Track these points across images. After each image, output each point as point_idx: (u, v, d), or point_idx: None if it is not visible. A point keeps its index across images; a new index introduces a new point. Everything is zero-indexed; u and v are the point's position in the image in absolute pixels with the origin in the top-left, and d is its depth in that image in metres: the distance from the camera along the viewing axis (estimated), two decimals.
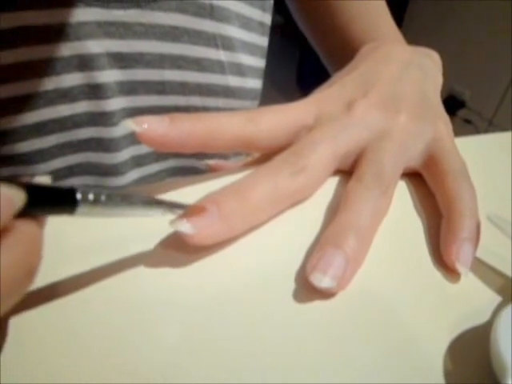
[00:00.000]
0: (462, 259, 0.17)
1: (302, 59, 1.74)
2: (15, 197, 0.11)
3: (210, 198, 0.17)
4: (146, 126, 0.17)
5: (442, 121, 0.23)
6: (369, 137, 0.21)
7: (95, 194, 0.13)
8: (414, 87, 0.23)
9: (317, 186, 0.20)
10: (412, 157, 0.22)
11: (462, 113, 1.36)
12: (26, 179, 0.13)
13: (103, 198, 0.13)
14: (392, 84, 0.23)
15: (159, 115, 0.17)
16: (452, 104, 1.37)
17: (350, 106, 0.21)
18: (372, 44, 0.27)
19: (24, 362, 0.13)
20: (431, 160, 0.21)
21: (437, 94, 0.25)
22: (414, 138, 0.21)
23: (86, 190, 0.13)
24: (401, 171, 0.21)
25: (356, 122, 0.21)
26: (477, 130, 1.33)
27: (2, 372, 0.13)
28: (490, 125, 1.29)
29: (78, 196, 0.12)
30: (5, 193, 0.11)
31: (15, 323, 0.14)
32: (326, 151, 0.20)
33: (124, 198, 0.14)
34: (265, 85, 0.35)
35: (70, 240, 0.17)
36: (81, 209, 0.13)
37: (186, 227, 0.15)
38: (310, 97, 0.22)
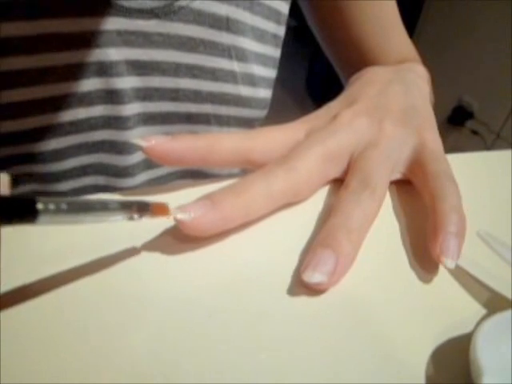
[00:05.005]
0: (446, 252, 0.18)
1: (312, 62, 1.74)
2: None
3: (206, 194, 0.18)
4: (153, 142, 0.18)
5: (429, 126, 0.24)
6: (356, 142, 0.22)
7: (56, 203, 0.13)
8: (397, 99, 0.25)
9: (310, 186, 0.21)
10: (398, 162, 0.23)
11: (469, 124, 1.36)
12: None
13: (64, 206, 0.13)
14: (375, 98, 0.24)
15: (166, 135, 0.19)
16: (460, 115, 1.37)
17: (336, 116, 0.23)
18: (358, 73, 0.28)
19: (24, 362, 0.14)
20: (417, 164, 0.22)
21: (425, 103, 0.26)
22: (400, 143, 0.23)
23: (47, 199, 0.13)
24: (388, 176, 0.22)
25: (343, 128, 0.22)
26: (484, 142, 1.33)
27: (2, 372, 0.13)
28: (498, 137, 1.28)
29: (40, 206, 0.13)
30: None
31: (15, 323, 0.15)
32: (314, 154, 0.21)
33: (85, 205, 0.14)
34: (274, 87, 0.35)
35: (63, 238, 0.18)
36: (42, 218, 0.13)
37: (181, 215, 0.17)
38: (299, 119, 0.24)
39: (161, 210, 0.17)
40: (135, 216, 0.16)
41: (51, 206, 0.13)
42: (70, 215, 0.14)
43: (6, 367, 0.13)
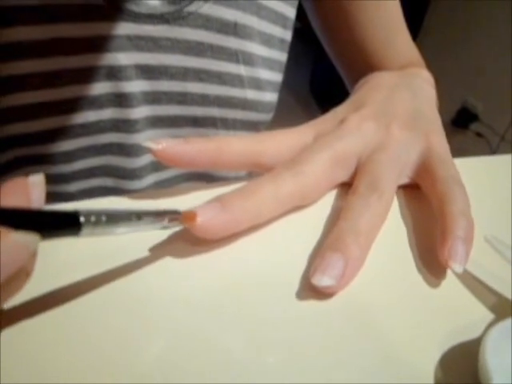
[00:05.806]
0: (454, 257, 0.18)
1: (316, 64, 1.74)
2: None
3: (215, 197, 0.18)
4: (164, 145, 0.19)
5: (436, 130, 0.24)
6: (364, 146, 0.22)
7: (97, 215, 0.13)
8: (404, 104, 0.25)
9: (317, 190, 0.21)
10: (406, 166, 0.23)
11: (474, 126, 1.35)
12: (20, 180, 0.13)
13: (104, 218, 0.14)
14: (382, 103, 0.25)
15: (175, 138, 0.19)
16: (465, 117, 1.37)
17: (343, 120, 0.23)
18: (365, 78, 0.29)
19: (24, 363, 0.14)
20: (424, 168, 0.22)
21: (431, 108, 0.26)
22: (407, 147, 0.23)
23: (88, 212, 0.13)
24: (396, 179, 0.22)
25: (350, 132, 0.22)
26: (489, 145, 1.32)
27: (2, 372, 0.13)
28: (502, 140, 1.28)
29: (82, 219, 0.13)
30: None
31: (15, 323, 0.15)
32: (322, 158, 0.21)
33: (122, 216, 0.14)
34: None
35: (71, 248, 0.18)
36: (84, 230, 0.13)
37: None
38: (307, 123, 0.24)
39: (190, 217, 0.17)
40: (167, 225, 0.16)
41: (92, 219, 0.13)
42: (108, 226, 0.14)
43: (9, 371, 0.14)
